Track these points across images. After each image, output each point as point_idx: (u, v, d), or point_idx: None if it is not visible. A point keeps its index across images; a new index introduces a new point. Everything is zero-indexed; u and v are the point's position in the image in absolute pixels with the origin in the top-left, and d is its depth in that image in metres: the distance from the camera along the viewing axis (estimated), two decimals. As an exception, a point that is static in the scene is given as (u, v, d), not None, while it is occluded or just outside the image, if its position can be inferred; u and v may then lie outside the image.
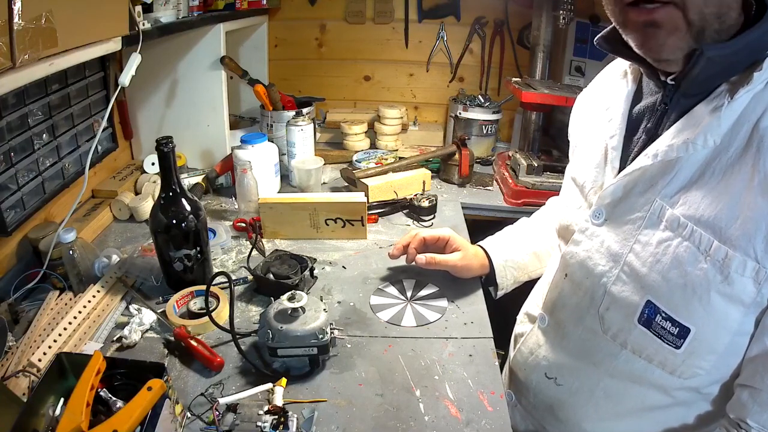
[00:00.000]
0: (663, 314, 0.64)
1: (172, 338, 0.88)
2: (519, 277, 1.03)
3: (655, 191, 0.65)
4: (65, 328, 0.87)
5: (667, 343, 0.64)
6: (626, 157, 0.72)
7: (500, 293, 1.04)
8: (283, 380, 0.79)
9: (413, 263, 1.03)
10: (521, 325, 0.95)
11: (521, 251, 1.04)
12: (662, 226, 0.64)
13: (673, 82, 0.64)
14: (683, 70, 0.61)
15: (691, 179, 0.62)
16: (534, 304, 0.93)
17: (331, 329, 0.84)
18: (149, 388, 0.64)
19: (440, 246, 1.05)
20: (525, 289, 1.02)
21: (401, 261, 1.09)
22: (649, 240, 0.65)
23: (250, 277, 1.07)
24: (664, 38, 0.58)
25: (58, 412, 0.66)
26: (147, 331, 0.92)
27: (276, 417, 0.71)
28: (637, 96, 0.74)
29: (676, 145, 0.62)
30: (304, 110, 1.53)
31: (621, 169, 0.71)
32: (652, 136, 0.68)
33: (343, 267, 1.14)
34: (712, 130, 0.60)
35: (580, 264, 0.75)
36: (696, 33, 0.57)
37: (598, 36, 0.71)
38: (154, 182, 1.39)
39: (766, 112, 0.57)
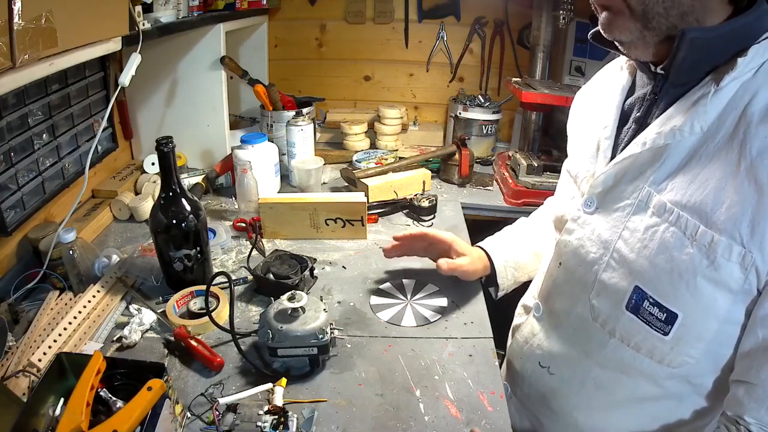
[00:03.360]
0: (650, 299, 0.64)
1: (172, 338, 0.88)
2: (519, 277, 1.03)
3: (644, 179, 0.66)
4: (65, 328, 0.87)
5: (655, 330, 0.65)
6: (617, 146, 0.74)
7: (500, 293, 1.04)
8: (283, 380, 0.79)
9: (417, 256, 1.04)
10: (518, 317, 0.96)
11: (521, 251, 1.04)
12: (650, 213, 0.65)
13: (662, 72, 0.65)
14: (669, 56, 0.62)
15: (679, 166, 0.63)
16: (530, 295, 0.95)
17: (331, 329, 0.84)
18: (149, 388, 0.64)
19: (443, 249, 1.04)
20: (524, 288, 1.02)
21: (401, 261, 1.09)
22: (637, 226, 0.66)
23: (250, 277, 1.07)
24: (611, 19, 0.62)
25: (58, 412, 0.66)
26: (147, 331, 0.92)
27: (276, 417, 0.71)
28: (632, 90, 0.76)
29: (664, 133, 0.63)
30: (304, 110, 1.53)
31: (613, 158, 0.72)
32: (641, 126, 0.70)
33: (343, 267, 1.14)
34: (698, 117, 0.61)
35: (573, 252, 0.76)
36: (640, 16, 0.59)
37: (591, 31, 0.72)
38: (154, 182, 1.39)
39: (753, 99, 0.58)
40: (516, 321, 0.96)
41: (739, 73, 0.58)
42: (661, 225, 0.63)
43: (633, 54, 0.66)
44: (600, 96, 0.81)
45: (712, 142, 0.61)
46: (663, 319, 0.64)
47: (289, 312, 0.83)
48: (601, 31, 0.65)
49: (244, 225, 1.28)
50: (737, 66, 0.58)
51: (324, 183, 1.56)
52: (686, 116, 0.62)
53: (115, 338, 0.90)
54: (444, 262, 1.00)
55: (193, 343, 0.86)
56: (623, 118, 0.74)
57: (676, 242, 0.62)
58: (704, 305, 0.61)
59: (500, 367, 0.88)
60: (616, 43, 0.66)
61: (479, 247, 1.06)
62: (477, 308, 1.00)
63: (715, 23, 0.59)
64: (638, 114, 0.71)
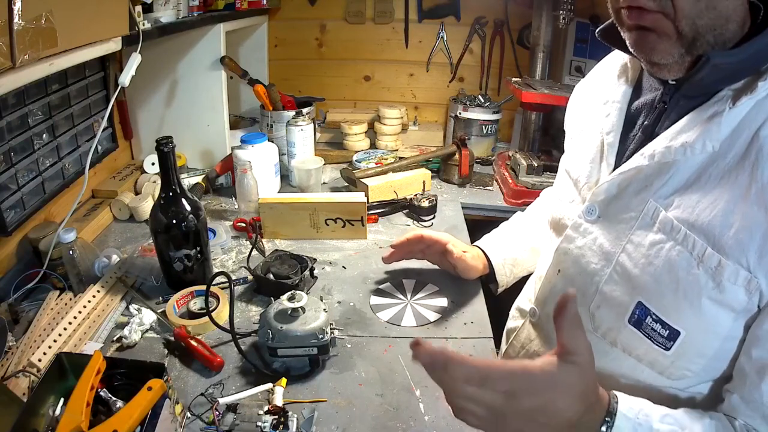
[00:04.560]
0: (653, 316, 0.64)
1: (172, 338, 0.88)
2: (518, 273, 1.03)
3: (650, 192, 0.65)
4: (65, 328, 0.87)
5: (657, 345, 0.64)
6: (622, 152, 0.72)
7: (500, 290, 1.05)
8: (283, 380, 0.79)
9: (416, 258, 1.03)
10: (513, 320, 0.95)
11: (519, 247, 1.04)
12: (655, 228, 0.64)
13: (674, 82, 0.64)
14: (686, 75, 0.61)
15: (687, 182, 0.62)
16: (525, 298, 0.93)
17: (331, 329, 0.84)
18: (149, 388, 0.64)
19: (440, 249, 1.05)
20: (522, 285, 1.02)
21: (401, 262, 1.09)
22: (642, 241, 0.65)
23: (250, 277, 1.07)
24: (654, 42, 0.58)
25: (58, 412, 0.66)
26: (147, 331, 0.92)
27: (276, 417, 0.71)
28: (636, 90, 0.74)
29: (674, 148, 0.62)
30: (304, 110, 1.53)
31: (616, 165, 0.71)
32: (649, 135, 0.68)
33: (343, 267, 1.14)
34: (711, 136, 0.59)
35: (574, 261, 0.75)
36: (688, 43, 0.57)
37: (599, 29, 0.71)
38: (154, 182, 1.39)
39: (766, 121, 0.57)
40: (510, 324, 0.95)
41: (757, 93, 0.57)
42: (666, 243, 0.62)
43: (660, 74, 0.64)
44: (601, 94, 0.79)
45: (722, 160, 0.59)
46: (665, 335, 0.63)
47: (289, 312, 0.83)
48: (634, 50, 0.62)
49: (244, 225, 1.28)
50: (757, 88, 0.56)
51: (324, 183, 1.56)
52: (698, 133, 0.60)
53: (115, 338, 0.90)
54: (453, 247, 1.01)
55: (193, 343, 0.86)
56: (628, 121, 0.72)
57: (682, 262, 0.61)
58: (707, 324, 0.60)
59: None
60: (643, 62, 0.63)
61: (476, 246, 1.06)
62: (477, 308, 1.00)
63: (735, 36, 0.58)
64: (646, 122, 0.70)
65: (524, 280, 1.02)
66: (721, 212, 0.58)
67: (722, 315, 0.59)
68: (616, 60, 0.80)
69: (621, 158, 0.71)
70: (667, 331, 0.63)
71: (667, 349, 0.64)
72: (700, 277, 0.59)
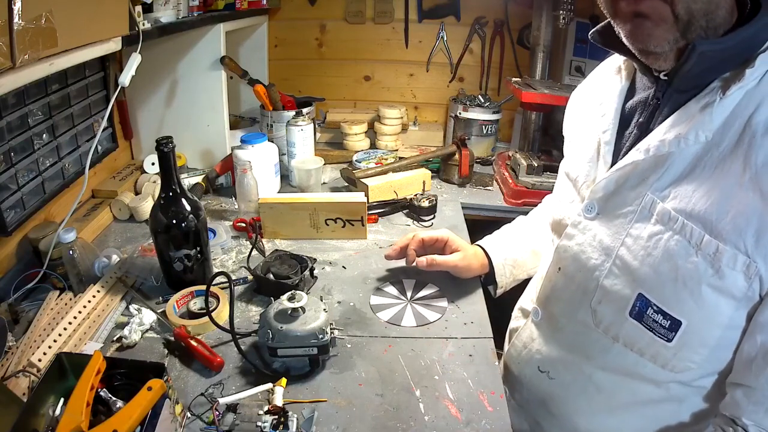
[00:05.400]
0: (654, 307, 0.64)
1: (172, 338, 0.88)
2: (518, 275, 1.03)
3: (647, 185, 0.66)
4: (65, 328, 0.87)
5: (659, 336, 0.65)
6: (618, 151, 0.73)
7: (499, 291, 1.05)
8: (283, 380, 0.79)
9: (413, 265, 1.03)
10: (515, 320, 0.96)
11: (520, 249, 1.04)
12: (653, 220, 0.64)
13: (665, 78, 0.65)
14: (675, 65, 0.61)
15: (683, 174, 0.63)
16: (528, 298, 0.94)
17: (331, 329, 0.84)
18: (149, 388, 0.64)
19: (439, 247, 1.05)
20: (524, 287, 1.02)
21: (401, 261, 1.09)
22: (640, 234, 0.66)
23: (250, 277, 1.07)
24: (651, 29, 0.59)
25: (58, 412, 0.66)
26: (147, 331, 0.92)
27: (276, 417, 0.71)
28: (631, 91, 0.75)
29: (668, 141, 0.63)
30: (304, 110, 1.53)
31: (613, 163, 0.72)
32: (644, 131, 0.69)
33: (343, 267, 1.14)
34: (703, 126, 0.60)
35: (573, 258, 0.75)
36: (683, 27, 0.58)
37: (592, 30, 0.71)
38: (154, 182, 1.39)
39: (758, 109, 0.58)
40: (513, 324, 0.96)
41: (745, 82, 0.58)
42: (665, 233, 0.63)
43: (655, 64, 0.64)
44: (597, 96, 0.80)
45: (716, 150, 0.60)
46: (667, 326, 0.63)
47: (289, 312, 0.83)
48: (628, 40, 0.62)
49: (244, 225, 1.28)
50: (745, 76, 0.57)
51: (324, 183, 1.56)
52: (691, 124, 0.61)
53: (115, 338, 0.90)
54: (423, 259, 1.01)
55: (193, 343, 0.86)
56: (624, 121, 0.74)
57: (680, 251, 0.61)
58: (708, 313, 0.61)
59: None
60: (635, 51, 0.64)
61: (478, 245, 1.06)
62: (477, 308, 1.00)
63: (723, 30, 0.59)
64: (641, 119, 0.71)
65: (525, 282, 1.02)
66: (717, 200, 0.59)
67: (723, 303, 0.60)
68: (610, 64, 0.82)
69: (618, 156, 0.72)
70: (669, 322, 0.63)
71: (669, 340, 0.64)
72: (699, 264, 0.60)
